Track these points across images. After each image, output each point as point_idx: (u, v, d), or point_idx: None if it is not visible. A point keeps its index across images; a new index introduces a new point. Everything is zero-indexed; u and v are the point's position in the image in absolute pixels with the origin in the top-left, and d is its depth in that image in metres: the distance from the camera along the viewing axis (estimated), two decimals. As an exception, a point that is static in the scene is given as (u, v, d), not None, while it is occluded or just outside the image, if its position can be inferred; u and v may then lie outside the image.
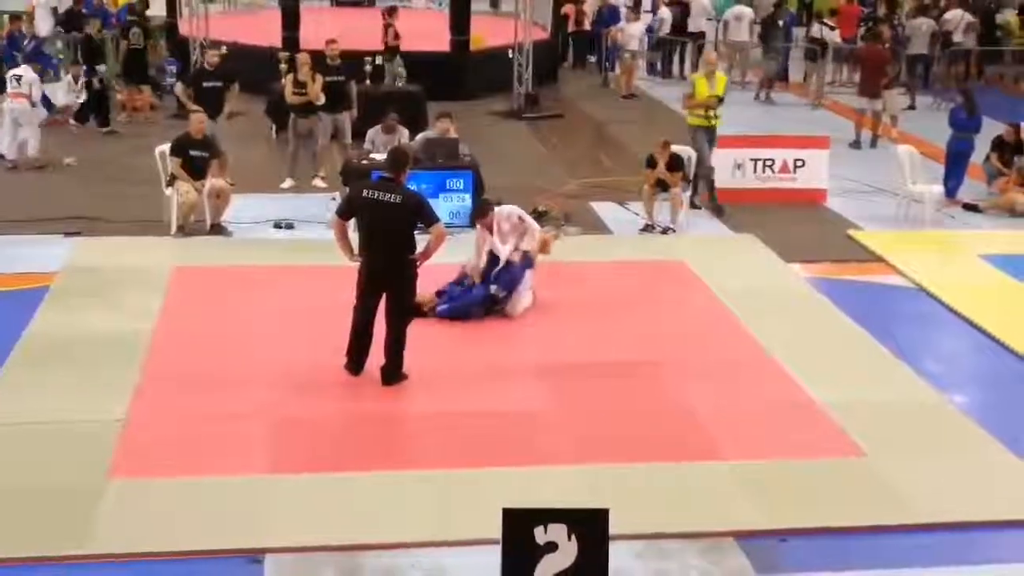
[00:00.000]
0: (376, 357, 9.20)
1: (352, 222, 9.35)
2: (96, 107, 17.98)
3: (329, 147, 15.23)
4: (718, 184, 14.49)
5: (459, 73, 20.69)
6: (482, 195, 13.55)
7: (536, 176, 15.79)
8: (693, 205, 14.14)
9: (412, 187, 9.67)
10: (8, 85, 15.97)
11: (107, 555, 6.79)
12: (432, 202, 12.64)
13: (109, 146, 16.97)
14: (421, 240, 9.10)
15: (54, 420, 8.40)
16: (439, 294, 10.74)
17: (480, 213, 11.07)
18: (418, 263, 9.03)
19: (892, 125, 19.21)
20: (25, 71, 16.15)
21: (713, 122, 14.39)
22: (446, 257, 10.57)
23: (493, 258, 10.81)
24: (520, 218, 10.95)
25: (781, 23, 23.72)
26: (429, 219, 8.97)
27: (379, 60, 19.09)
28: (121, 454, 7.93)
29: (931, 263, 12.71)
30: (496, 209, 11.07)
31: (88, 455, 7.89)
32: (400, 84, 18.96)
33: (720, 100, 14.37)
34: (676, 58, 24.81)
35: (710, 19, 24.52)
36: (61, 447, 8.03)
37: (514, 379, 9.41)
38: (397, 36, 19.88)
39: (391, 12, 20.35)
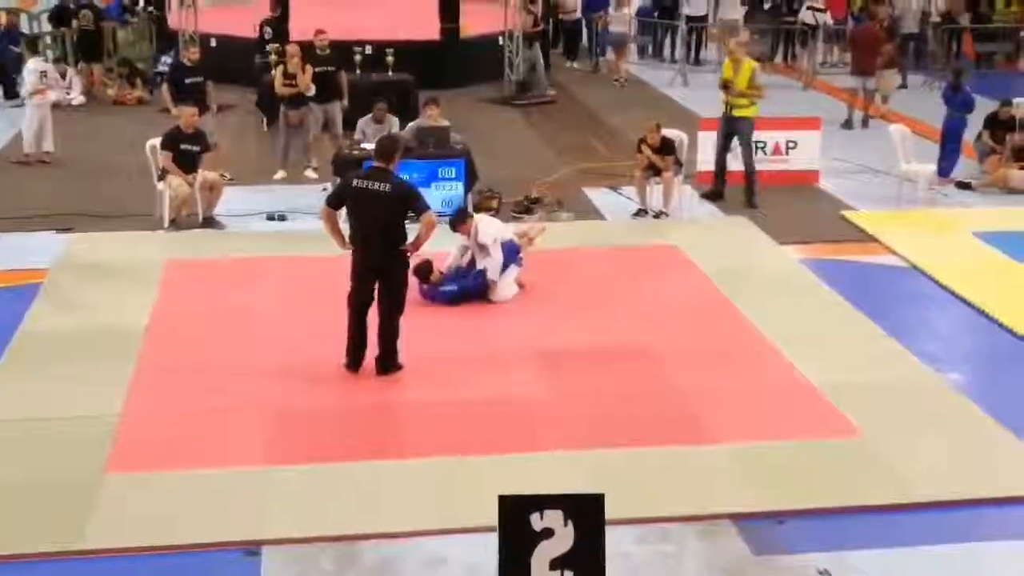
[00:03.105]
0: (372, 349, 9.18)
1: (344, 212, 9.31)
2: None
3: (320, 137, 15.20)
4: (707, 167, 14.43)
5: (449, 61, 20.64)
6: (475, 183, 13.56)
7: (528, 162, 15.78)
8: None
9: (403, 176, 9.64)
10: (33, 81, 15.83)
11: (104, 550, 6.78)
12: (424, 191, 12.77)
13: (99, 141, 16.92)
14: (414, 231, 9.08)
15: (49, 416, 8.39)
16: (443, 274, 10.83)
17: (459, 221, 11.00)
18: (409, 253, 9.00)
19: (883, 104, 19.19)
20: (41, 64, 16.18)
21: (734, 112, 13.89)
22: (439, 245, 10.65)
23: (473, 259, 10.90)
24: (490, 241, 10.74)
25: (767, 5, 23.66)
26: (419, 208, 8.94)
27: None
28: (117, 449, 7.92)
29: (925, 242, 12.71)
30: (476, 219, 11.04)
31: (84, 450, 7.88)
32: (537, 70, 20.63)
33: (725, 85, 13.86)
34: (667, 42, 24.78)
35: None
36: (57, 443, 8.02)
37: (509, 366, 9.40)
38: (536, 24, 20.98)
39: (532, 0, 21.37)
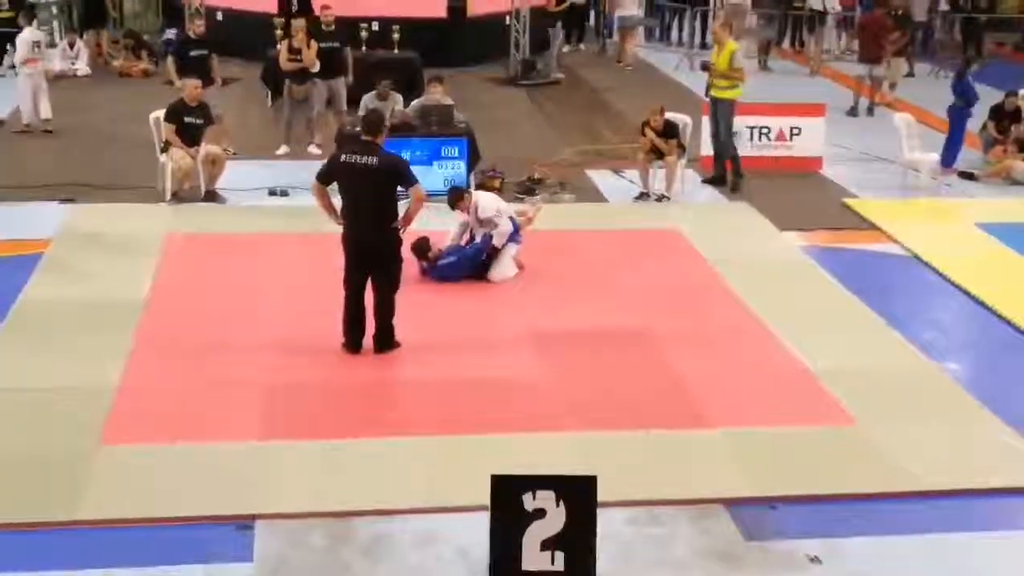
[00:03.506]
0: (371, 328, 9.18)
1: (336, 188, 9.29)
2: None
3: (324, 114, 15.17)
4: (710, 152, 14.42)
5: (455, 39, 20.60)
6: (477, 162, 13.55)
7: (532, 143, 15.76)
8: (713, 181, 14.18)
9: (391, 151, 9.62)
10: (25, 51, 15.85)
11: (99, 521, 6.81)
12: (427, 169, 12.84)
13: (103, 112, 16.91)
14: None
15: (47, 387, 8.42)
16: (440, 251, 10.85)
17: (456, 198, 11.01)
18: (401, 229, 9.01)
19: (890, 91, 19.14)
20: (36, 34, 16.19)
21: (712, 93, 14.06)
22: (440, 224, 10.69)
23: (472, 238, 10.94)
24: (494, 214, 10.81)
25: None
26: (407, 180, 8.93)
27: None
28: (114, 420, 7.95)
29: (926, 231, 12.68)
30: (475, 195, 11.06)
31: (81, 421, 7.91)
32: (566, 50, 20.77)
33: (705, 67, 14.18)
34: (676, 24, 24.71)
35: None
36: (54, 413, 8.05)
37: (507, 347, 9.41)
38: (561, 2, 20.78)
39: None
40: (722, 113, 14.00)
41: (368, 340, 9.14)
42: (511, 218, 10.95)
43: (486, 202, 10.95)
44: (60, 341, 9.20)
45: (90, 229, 11.85)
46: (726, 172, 14.14)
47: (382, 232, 8.91)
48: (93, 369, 8.68)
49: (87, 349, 9.03)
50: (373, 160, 8.83)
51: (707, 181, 14.22)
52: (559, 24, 21.08)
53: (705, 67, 14.18)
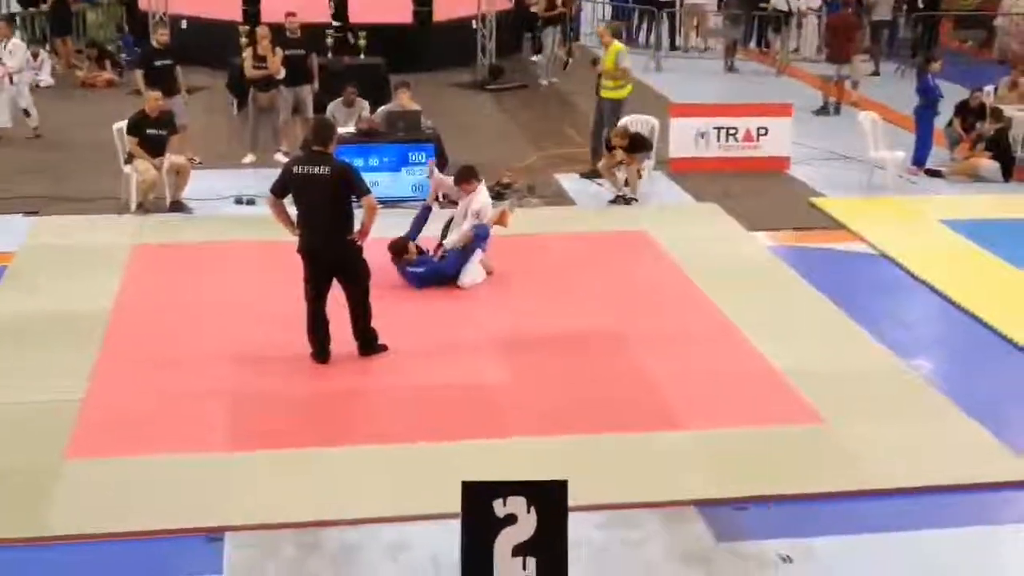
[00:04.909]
0: (338, 340, 9.14)
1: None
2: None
3: (291, 121, 15.09)
4: (681, 154, 14.59)
5: (422, 44, 20.56)
6: (445, 168, 13.50)
7: (500, 148, 15.73)
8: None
9: (344, 159, 9.58)
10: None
11: (65, 536, 6.74)
12: (394, 175, 12.82)
13: (67, 124, 16.77)
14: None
15: (11, 400, 8.34)
16: (420, 252, 10.84)
17: (465, 177, 11.00)
18: (359, 242, 8.96)
19: (853, 90, 19.23)
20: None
21: (600, 92, 14.48)
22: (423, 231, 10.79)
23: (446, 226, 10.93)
24: (480, 207, 10.86)
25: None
26: (360, 190, 8.88)
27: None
28: (79, 434, 7.88)
29: (893, 229, 12.74)
30: (481, 188, 11.05)
31: (46, 435, 7.84)
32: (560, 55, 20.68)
33: (594, 63, 14.80)
34: (644, 27, 24.75)
35: None
36: (19, 427, 7.98)
37: (475, 352, 9.39)
38: (552, 6, 20.56)
39: None
40: (608, 113, 14.23)
41: (336, 348, 9.09)
42: (486, 225, 10.95)
43: (484, 198, 10.98)
44: (24, 354, 9.11)
45: (55, 241, 11.74)
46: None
47: (338, 240, 8.86)
48: (57, 382, 8.60)
49: (52, 362, 8.95)
50: (325, 169, 8.79)
51: (585, 175, 14.34)
52: (549, 29, 20.85)
53: (594, 63, 14.73)
